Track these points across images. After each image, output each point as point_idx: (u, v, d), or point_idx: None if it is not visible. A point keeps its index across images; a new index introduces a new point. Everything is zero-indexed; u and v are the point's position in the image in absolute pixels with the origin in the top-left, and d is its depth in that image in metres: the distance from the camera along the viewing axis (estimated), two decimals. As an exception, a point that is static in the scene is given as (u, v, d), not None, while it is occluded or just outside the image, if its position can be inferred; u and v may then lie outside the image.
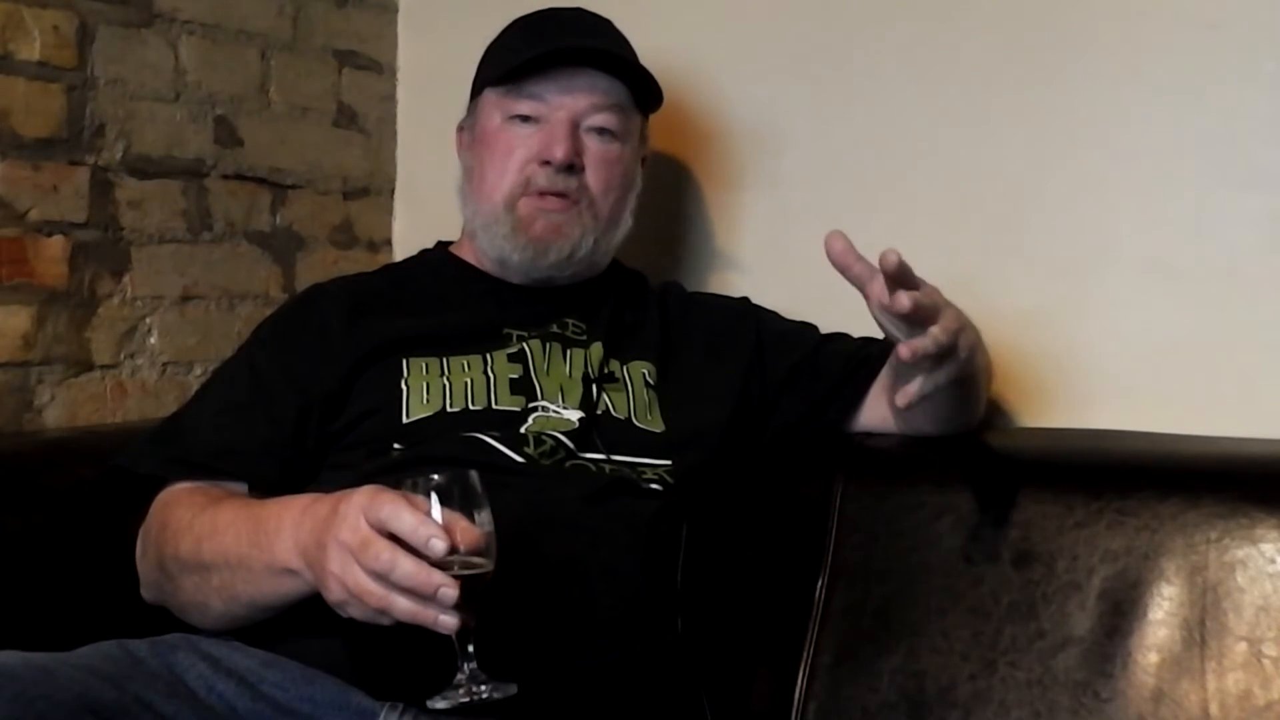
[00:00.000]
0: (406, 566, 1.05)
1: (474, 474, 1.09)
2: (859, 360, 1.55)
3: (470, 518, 1.07)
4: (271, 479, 1.39)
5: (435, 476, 1.08)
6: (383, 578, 1.06)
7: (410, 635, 1.09)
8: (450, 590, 1.04)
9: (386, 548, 1.05)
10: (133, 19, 1.70)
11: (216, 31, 1.81)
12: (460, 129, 1.63)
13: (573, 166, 1.51)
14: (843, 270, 1.20)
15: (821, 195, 1.77)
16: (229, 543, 1.23)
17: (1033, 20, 1.65)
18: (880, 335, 1.28)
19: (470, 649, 1.08)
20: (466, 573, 1.05)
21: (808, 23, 1.78)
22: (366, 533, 1.06)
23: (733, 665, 1.45)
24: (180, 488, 1.37)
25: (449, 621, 1.06)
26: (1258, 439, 1.47)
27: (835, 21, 1.77)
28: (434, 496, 1.07)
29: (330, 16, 1.99)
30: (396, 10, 2.09)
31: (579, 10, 1.61)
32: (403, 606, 1.06)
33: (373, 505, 1.07)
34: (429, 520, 1.05)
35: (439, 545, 1.04)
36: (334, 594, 1.11)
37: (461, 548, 1.05)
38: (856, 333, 1.59)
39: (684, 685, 1.41)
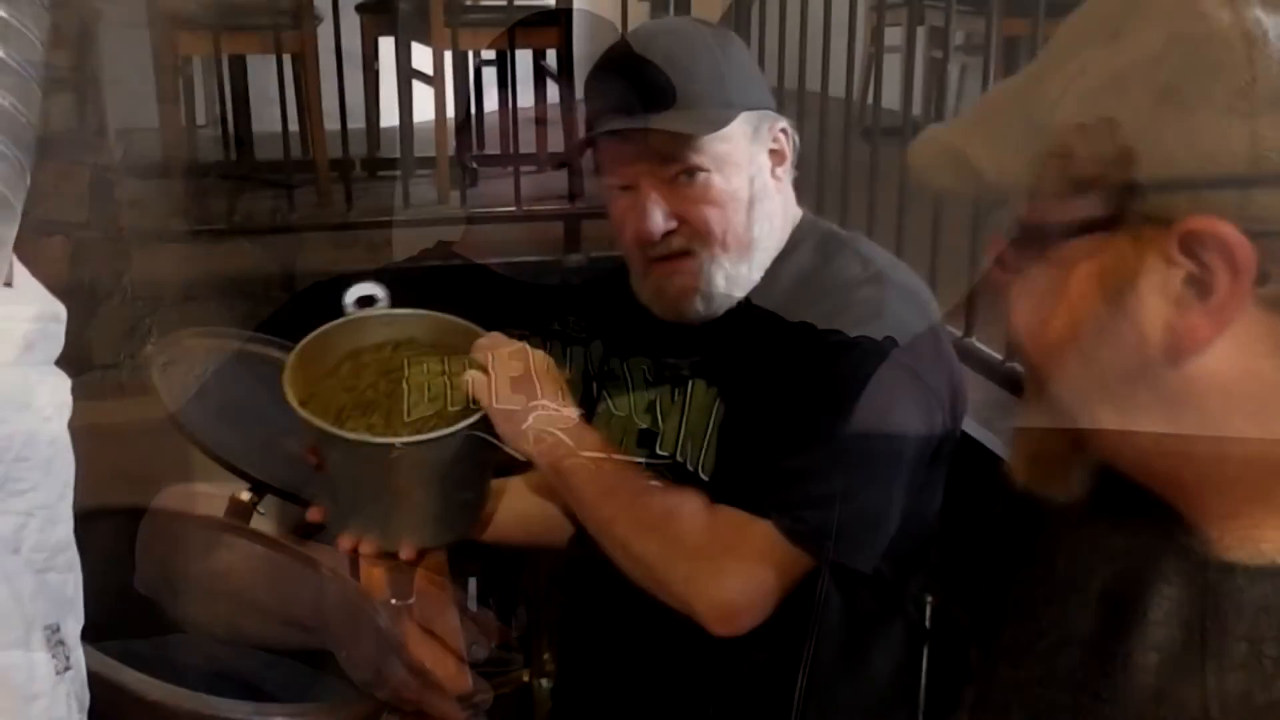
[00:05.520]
0: (448, 669, 1.08)
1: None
2: None
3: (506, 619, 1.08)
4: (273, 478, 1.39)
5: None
6: (421, 676, 1.08)
7: None
8: (485, 696, 1.06)
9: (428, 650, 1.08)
10: (133, 19, 1.70)
11: (216, 31, 1.81)
12: None
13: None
14: None
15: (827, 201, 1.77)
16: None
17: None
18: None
19: None
20: (499, 670, 1.06)
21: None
22: (410, 629, 1.09)
23: (735, 663, 1.45)
24: (191, 494, 1.37)
25: None
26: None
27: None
28: (471, 589, 1.08)
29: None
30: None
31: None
32: (437, 706, 1.09)
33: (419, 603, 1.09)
34: (470, 626, 1.07)
35: (479, 652, 1.07)
36: (365, 677, 1.12)
37: (494, 644, 1.06)
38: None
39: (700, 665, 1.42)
